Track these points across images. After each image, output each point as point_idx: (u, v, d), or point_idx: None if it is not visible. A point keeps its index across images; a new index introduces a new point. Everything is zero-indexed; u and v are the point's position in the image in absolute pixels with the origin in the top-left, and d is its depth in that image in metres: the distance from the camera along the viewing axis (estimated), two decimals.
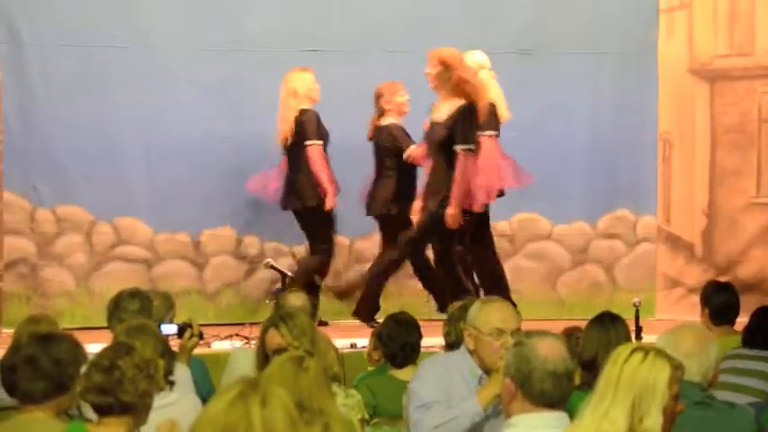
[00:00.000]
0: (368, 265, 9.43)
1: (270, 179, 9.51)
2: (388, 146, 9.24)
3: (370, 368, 6.40)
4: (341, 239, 9.81)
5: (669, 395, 3.43)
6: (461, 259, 9.03)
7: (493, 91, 9.15)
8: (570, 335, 5.55)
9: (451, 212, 8.66)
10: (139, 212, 9.83)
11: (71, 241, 9.73)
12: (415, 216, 8.99)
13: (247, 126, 9.79)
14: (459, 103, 8.70)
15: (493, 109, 9.05)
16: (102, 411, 3.86)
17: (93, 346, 4.46)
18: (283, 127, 9.26)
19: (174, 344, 5.79)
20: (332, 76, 9.46)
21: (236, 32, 9.96)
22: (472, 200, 8.82)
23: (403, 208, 9.14)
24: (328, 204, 9.14)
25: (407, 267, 9.42)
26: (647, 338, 7.26)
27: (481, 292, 9.03)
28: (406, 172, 9.27)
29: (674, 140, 10.71)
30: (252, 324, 8.33)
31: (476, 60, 9.20)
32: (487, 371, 4.63)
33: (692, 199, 10.69)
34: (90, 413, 3.98)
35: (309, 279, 9.19)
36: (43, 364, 4.13)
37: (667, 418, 3.42)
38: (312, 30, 9.99)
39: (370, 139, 9.35)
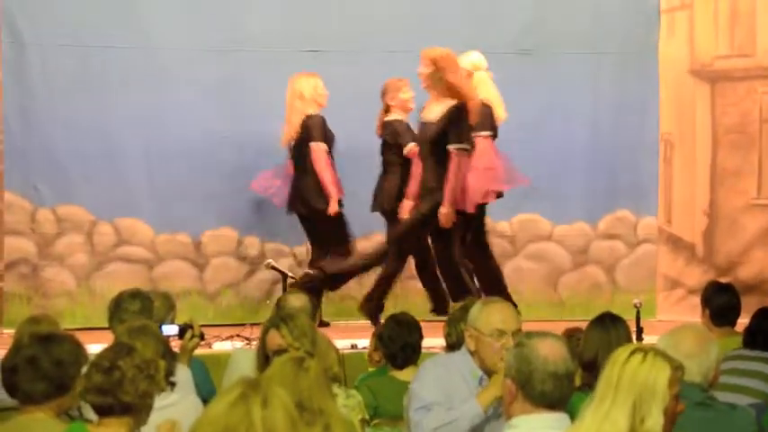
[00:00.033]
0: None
1: (274, 181, 9.51)
2: (390, 142, 9.27)
3: (370, 369, 6.40)
4: None
5: (670, 396, 3.42)
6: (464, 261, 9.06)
7: (489, 92, 9.17)
8: (571, 336, 5.55)
9: (445, 211, 8.70)
10: (140, 213, 9.83)
11: (72, 241, 9.73)
12: (405, 215, 9.02)
13: (248, 126, 9.80)
14: (450, 103, 8.74)
15: (488, 109, 9.06)
16: (103, 412, 3.86)
17: (94, 347, 4.45)
18: (289, 130, 9.27)
19: (175, 345, 5.78)
20: (332, 76, 9.46)
21: (236, 32, 9.96)
22: (465, 200, 8.84)
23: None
24: (331, 209, 9.13)
25: (408, 268, 9.44)
26: (648, 339, 7.26)
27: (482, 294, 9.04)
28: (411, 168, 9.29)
29: (675, 141, 10.71)
30: (252, 325, 8.33)
31: (472, 61, 9.22)
32: (488, 372, 4.62)
33: (692, 200, 10.69)
34: (90, 414, 3.98)
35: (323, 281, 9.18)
36: (44, 365, 4.13)
37: (668, 419, 3.42)
38: (312, 30, 9.99)
39: (379, 134, 9.40)
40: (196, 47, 9.84)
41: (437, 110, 8.79)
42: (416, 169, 9.02)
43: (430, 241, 9.12)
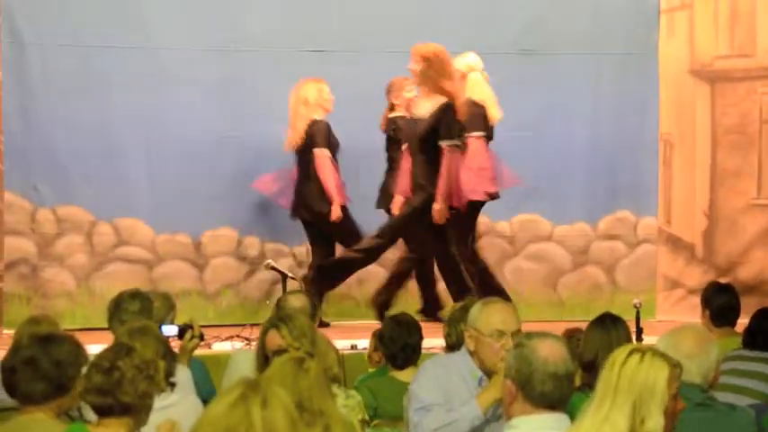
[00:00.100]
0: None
1: (279, 183, 9.52)
2: (394, 138, 9.31)
3: (370, 369, 6.40)
4: None
5: (669, 394, 3.43)
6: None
7: (483, 92, 9.19)
8: (571, 336, 5.55)
9: (438, 207, 8.74)
10: (140, 213, 9.82)
11: (71, 242, 9.73)
12: (397, 211, 9.04)
13: (248, 126, 9.80)
14: (441, 99, 8.77)
15: (479, 110, 9.09)
16: (102, 412, 3.86)
17: (94, 347, 4.46)
18: (293, 136, 9.29)
19: (175, 345, 5.78)
20: (332, 75, 9.47)
21: (237, 33, 9.96)
22: (458, 197, 8.85)
23: None
24: (333, 215, 9.13)
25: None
26: (648, 340, 7.25)
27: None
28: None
29: (675, 141, 10.71)
30: (252, 325, 8.32)
31: (467, 63, 9.25)
32: (488, 372, 4.62)
33: (692, 200, 10.69)
34: (90, 414, 3.98)
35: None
36: (43, 366, 4.13)
37: (669, 418, 3.42)
38: (312, 30, 9.99)
39: (383, 130, 9.41)
40: (196, 47, 9.83)
41: (427, 106, 8.83)
42: (405, 164, 9.04)
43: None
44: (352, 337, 8.16)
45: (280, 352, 4.67)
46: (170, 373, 4.58)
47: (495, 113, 9.20)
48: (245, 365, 5.55)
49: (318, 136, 9.20)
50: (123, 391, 3.82)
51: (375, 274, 9.74)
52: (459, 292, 8.72)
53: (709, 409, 4.30)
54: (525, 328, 4.52)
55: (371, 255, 9.15)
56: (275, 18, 10.01)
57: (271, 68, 9.77)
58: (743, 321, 6.16)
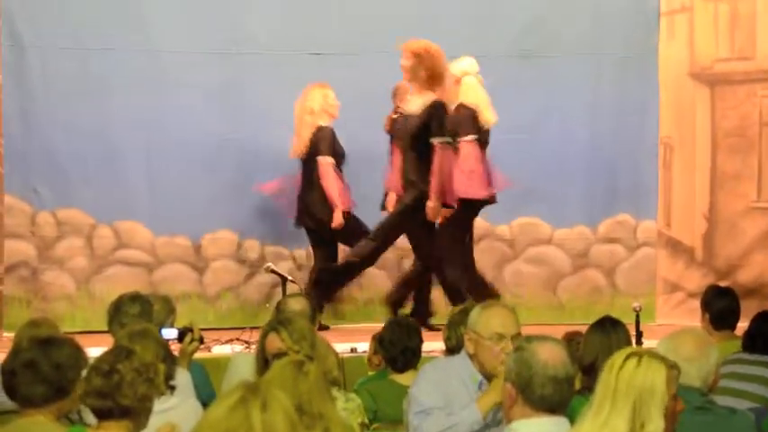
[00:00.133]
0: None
1: (285, 188, 9.51)
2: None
3: (370, 373, 6.40)
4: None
5: (668, 396, 3.43)
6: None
7: (477, 96, 9.17)
8: (571, 340, 5.55)
9: (432, 205, 8.76)
10: (140, 216, 9.82)
11: (71, 245, 9.73)
12: (391, 208, 9.04)
13: (248, 129, 9.80)
14: (432, 96, 8.78)
15: (470, 113, 9.06)
16: (102, 415, 3.86)
17: (94, 350, 4.46)
18: (298, 143, 9.29)
19: (175, 348, 5.78)
20: (333, 77, 9.48)
21: (237, 35, 9.96)
22: (450, 195, 8.86)
23: None
24: (335, 222, 9.13)
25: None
26: (648, 343, 7.25)
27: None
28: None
29: (675, 144, 10.71)
30: (252, 328, 8.31)
31: (462, 68, 9.25)
32: (488, 376, 4.62)
33: (692, 203, 10.69)
34: (90, 417, 3.98)
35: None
36: (43, 369, 4.13)
37: (669, 420, 3.42)
38: (313, 32, 9.99)
39: (387, 130, 9.43)
40: (196, 50, 9.83)
41: (418, 102, 8.84)
42: (396, 161, 9.04)
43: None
44: (352, 340, 8.16)
45: (279, 355, 4.66)
46: (170, 376, 4.57)
47: (489, 117, 9.16)
48: (244, 368, 5.55)
49: (322, 144, 9.20)
50: (123, 394, 3.82)
51: (373, 277, 9.75)
52: (450, 291, 8.78)
53: (709, 412, 4.30)
54: (525, 331, 4.53)
55: (369, 259, 9.15)
56: (275, 20, 10.02)
57: (271, 71, 9.78)
58: (743, 325, 6.15)
